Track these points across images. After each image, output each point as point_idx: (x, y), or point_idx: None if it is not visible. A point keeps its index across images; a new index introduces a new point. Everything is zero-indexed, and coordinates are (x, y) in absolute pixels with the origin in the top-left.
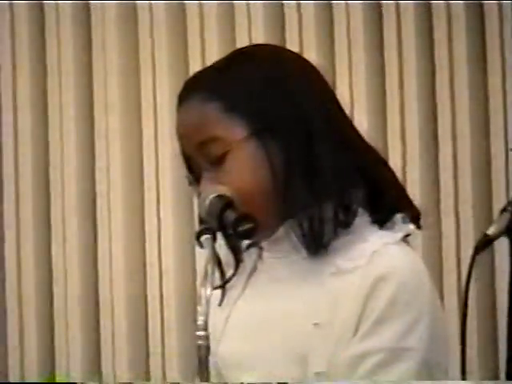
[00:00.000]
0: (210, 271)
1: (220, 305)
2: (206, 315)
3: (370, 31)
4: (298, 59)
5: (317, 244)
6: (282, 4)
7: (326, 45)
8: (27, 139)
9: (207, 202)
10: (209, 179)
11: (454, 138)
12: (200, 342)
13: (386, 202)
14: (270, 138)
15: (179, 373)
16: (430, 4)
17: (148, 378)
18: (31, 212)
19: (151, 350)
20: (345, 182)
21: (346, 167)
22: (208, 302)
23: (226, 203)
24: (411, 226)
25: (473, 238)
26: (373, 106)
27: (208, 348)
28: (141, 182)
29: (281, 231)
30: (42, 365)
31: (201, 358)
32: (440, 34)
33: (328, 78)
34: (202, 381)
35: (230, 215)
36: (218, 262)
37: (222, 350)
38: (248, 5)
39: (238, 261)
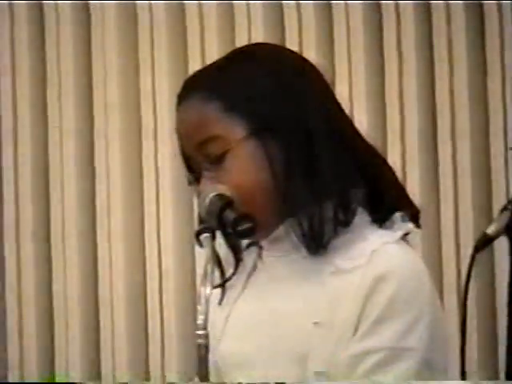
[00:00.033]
0: (209, 270)
1: (220, 304)
2: (206, 314)
3: (370, 31)
4: (297, 58)
5: (317, 243)
6: (282, 4)
7: (325, 45)
8: (27, 139)
9: (207, 201)
10: (208, 178)
11: (454, 137)
12: (200, 341)
13: (386, 201)
14: (270, 137)
15: (179, 373)
16: (429, 4)
17: (147, 378)
18: (31, 212)
19: (151, 350)
20: (345, 181)
21: (346, 167)
22: (208, 301)
23: (225, 202)
24: (410, 225)
25: (472, 238)
26: (372, 105)
27: (207, 347)
28: (140, 181)
29: (280, 230)
30: (42, 365)
31: (200, 358)
32: (440, 34)
33: (328, 77)
34: (201, 380)
35: (230, 214)
36: (217, 261)
37: (222, 349)
38: (248, 5)
39: (237, 260)
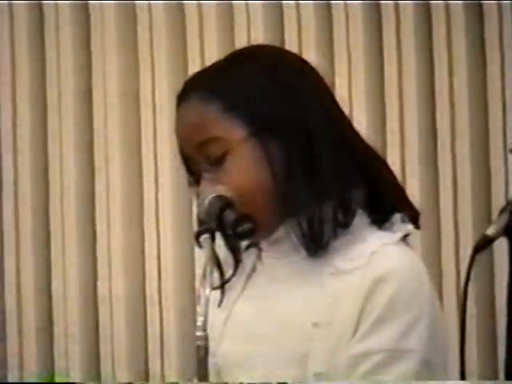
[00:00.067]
0: (208, 271)
1: (219, 305)
2: (205, 316)
3: (370, 31)
4: (297, 60)
5: (316, 244)
6: (282, 4)
7: (325, 45)
8: (26, 139)
9: (206, 202)
10: (208, 179)
11: (453, 138)
12: (199, 342)
13: (385, 202)
14: (270, 138)
15: (178, 373)
16: (429, 4)
17: (147, 378)
18: (30, 212)
19: (150, 350)
20: (344, 181)
21: (346, 167)
22: (207, 302)
23: (225, 203)
24: (410, 226)
25: (472, 238)
26: (372, 106)
27: (207, 348)
28: (140, 182)
29: (280, 231)
30: (41, 365)
31: (200, 359)
32: (439, 34)
33: (327, 78)
34: (200, 381)
35: (230, 215)
36: (217, 262)
37: (222, 351)
38: (247, 5)
39: (237, 261)
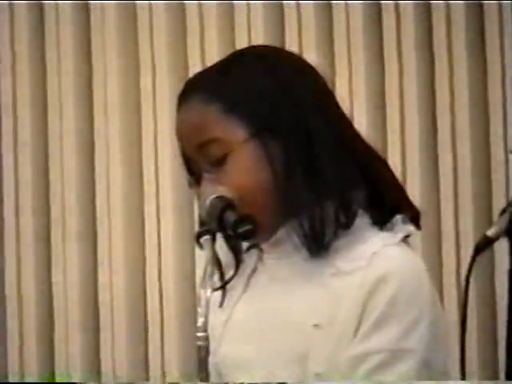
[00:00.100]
0: (209, 272)
1: (220, 306)
2: (206, 316)
3: (370, 31)
4: (297, 60)
5: (318, 244)
6: (282, 4)
7: (325, 45)
8: (27, 139)
9: (207, 203)
10: (209, 180)
11: (454, 138)
12: (200, 343)
13: (386, 202)
14: (271, 138)
15: (179, 373)
16: (429, 4)
17: (147, 378)
18: (31, 212)
19: (151, 350)
20: (345, 181)
21: (346, 167)
22: (208, 303)
23: (226, 204)
24: (411, 227)
25: (473, 239)
26: (372, 105)
27: (208, 349)
28: (140, 182)
29: (281, 232)
30: (42, 365)
31: (200, 359)
32: (440, 34)
33: (328, 78)
34: (201, 381)
35: (230, 216)
36: (217, 263)
37: (223, 351)
38: (248, 5)
39: (238, 262)
